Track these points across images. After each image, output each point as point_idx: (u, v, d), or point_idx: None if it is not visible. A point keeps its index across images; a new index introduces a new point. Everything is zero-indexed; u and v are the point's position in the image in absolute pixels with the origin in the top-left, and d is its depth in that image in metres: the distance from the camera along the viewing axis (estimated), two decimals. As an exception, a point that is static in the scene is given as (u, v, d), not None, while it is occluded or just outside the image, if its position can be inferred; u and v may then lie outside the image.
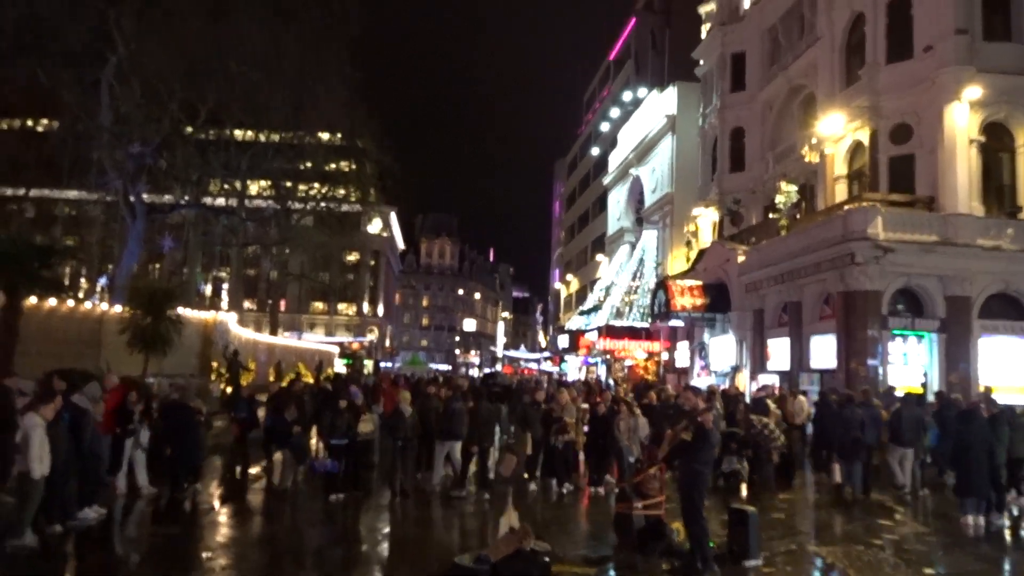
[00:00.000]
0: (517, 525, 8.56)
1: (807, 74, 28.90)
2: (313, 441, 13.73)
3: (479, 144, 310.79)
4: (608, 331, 37.79)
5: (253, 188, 41.87)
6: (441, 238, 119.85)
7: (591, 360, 49.13)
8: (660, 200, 41.36)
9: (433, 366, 78.94)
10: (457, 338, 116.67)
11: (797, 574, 8.52)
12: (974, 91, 21.36)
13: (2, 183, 39.87)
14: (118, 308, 21.34)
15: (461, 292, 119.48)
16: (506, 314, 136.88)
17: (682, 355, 33.91)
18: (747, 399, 17.03)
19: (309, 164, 38.70)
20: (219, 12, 27.55)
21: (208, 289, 59.84)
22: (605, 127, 58.29)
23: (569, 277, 71.15)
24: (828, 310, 22.58)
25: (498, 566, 7.63)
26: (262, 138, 36.03)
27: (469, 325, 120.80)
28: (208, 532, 10.05)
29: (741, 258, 27.34)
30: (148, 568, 8.39)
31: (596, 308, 44.51)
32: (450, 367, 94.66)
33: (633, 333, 37.56)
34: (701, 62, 37.34)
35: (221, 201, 39.18)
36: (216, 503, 11.92)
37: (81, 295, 41.54)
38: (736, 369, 27.17)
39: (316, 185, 41.06)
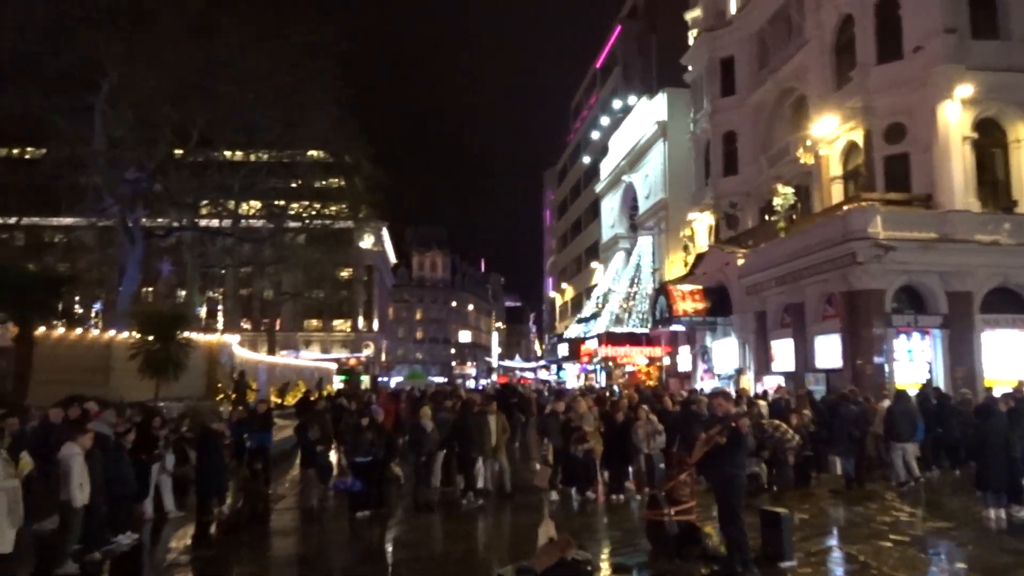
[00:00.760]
0: (555, 535, 8.67)
1: (797, 76, 29.22)
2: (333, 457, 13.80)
3: (466, 155, 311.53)
4: (609, 338, 37.97)
5: (244, 208, 41.95)
6: (432, 250, 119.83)
7: (589, 367, 49.29)
8: (654, 206, 41.64)
9: (432, 379, 78.80)
10: (452, 350, 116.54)
11: (833, 570, 8.63)
12: (965, 89, 21.67)
13: (-7, 211, 39.78)
14: (125, 334, 21.35)
15: (454, 304, 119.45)
16: (499, 324, 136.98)
17: (684, 359, 34.08)
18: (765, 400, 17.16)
19: (301, 182, 38.87)
20: (206, 32, 27.66)
21: (203, 311, 59.67)
22: (595, 135, 58.62)
23: (564, 285, 71.37)
24: (831, 310, 22.79)
25: (543, 576, 7.72)
26: (254, 158, 36.17)
27: (464, 336, 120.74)
28: (242, 552, 10.09)
29: (740, 261, 27.55)
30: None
31: (595, 315, 44.69)
32: (446, 379, 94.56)
33: (633, 339, 37.76)
34: (689, 68, 37.66)
35: (215, 223, 39.24)
36: (244, 524, 11.95)
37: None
38: (740, 372, 27.35)
39: (308, 203, 41.20)
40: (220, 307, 62.00)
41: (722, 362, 29.53)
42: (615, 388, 34.63)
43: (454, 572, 9.02)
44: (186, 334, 20.08)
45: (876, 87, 23.77)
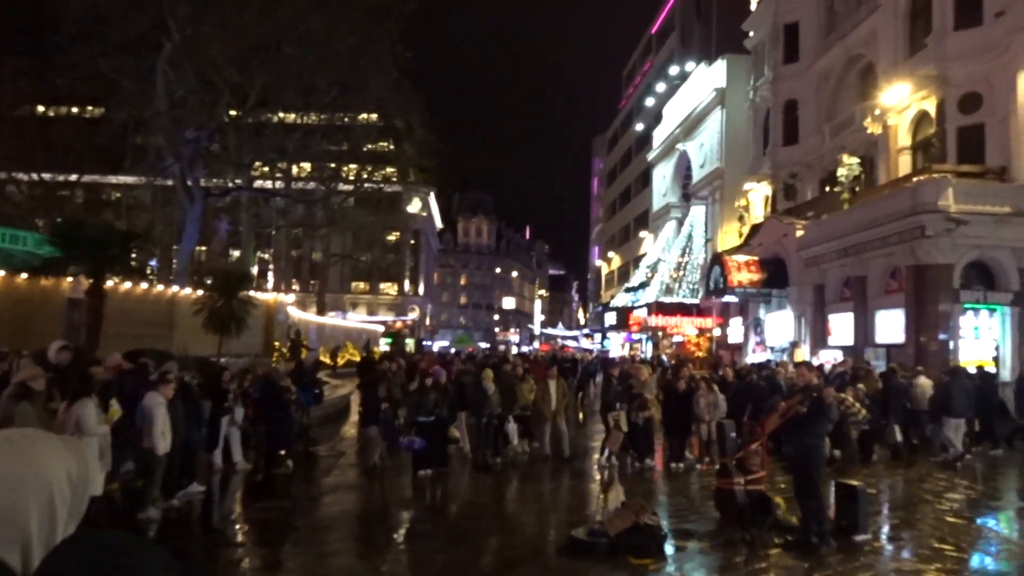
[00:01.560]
0: (624, 499, 8.67)
1: (867, 43, 28.22)
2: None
3: (515, 121, 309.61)
4: (659, 308, 37.68)
5: (296, 170, 42.42)
6: (478, 216, 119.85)
7: (635, 337, 49.09)
8: (709, 175, 40.89)
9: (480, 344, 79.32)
10: (495, 316, 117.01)
11: (907, 547, 8.48)
12: (1050, 56, 20.75)
13: (57, 169, 40.81)
14: (188, 290, 21.82)
15: (498, 270, 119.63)
16: (543, 292, 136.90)
17: (735, 331, 33.69)
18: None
19: (355, 145, 39.03)
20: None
21: (255, 271, 60.76)
22: (648, 102, 57.63)
23: (611, 254, 70.84)
24: (895, 284, 22.24)
25: (617, 540, 7.73)
26: (310, 119, 36.36)
27: (507, 303, 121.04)
28: (311, 507, 10.30)
29: (800, 233, 26.98)
30: (262, 540, 8.63)
31: (644, 285, 44.32)
32: (488, 345, 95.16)
33: (684, 309, 37.43)
34: (751, 33, 36.67)
35: (269, 184, 39.78)
36: (310, 479, 12.20)
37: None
38: (795, 344, 26.94)
39: (359, 166, 41.43)
40: (271, 267, 62.97)
41: (775, 335, 29.11)
42: (662, 358, 34.51)
43: (522, 532, 9.08)
44: (248, 292, 20.45)
45: (952, 54, 22.84)
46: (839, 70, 30.63)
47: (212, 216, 38.99)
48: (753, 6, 36.73)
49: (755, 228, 32.40)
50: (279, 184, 40.15)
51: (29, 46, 37.57)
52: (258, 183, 38.36)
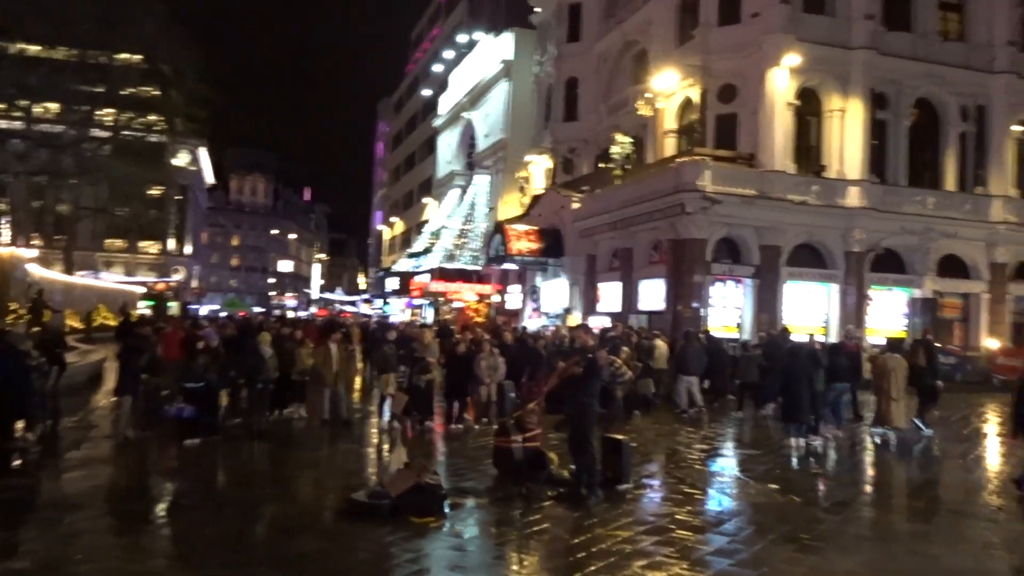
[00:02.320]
0: (406, 461, 8.63)
1: (642, 30, 30.04)
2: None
3: (296, 79, 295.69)
4: (440, 273, 38.08)
5: (41, 110, 37.52)
6: (254, 175, 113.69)
7: (416, 302, 49.26)
8: (493, 145, 41.70)
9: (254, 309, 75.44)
10: (271, 280, 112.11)
11: (662, 492, 9.24)
12: (793, 58, 23.28)
13: None
14: None
15: (275, 232, 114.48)
16: (322, 256, 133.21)
17: (513, 298, 34.87)
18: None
19: (114, 87, 35.21)
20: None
21: (-16, 221, 53.09)
22: (437, 68, 57.42)
23: (394, 219, 70.32)
24: (657, 256, 24.10)
25: (399, 500, 7.66)
26: (59, 54, 32.21)
27: (284, 266, 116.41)
28: (56, 483, 9.20)
29: (576, 205, 28.35)
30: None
31: (426, 251, 44.48)
32: (264, 309, 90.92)
33: (465, 276, 38.11)
34: (537, 9, 37.64)
35: (4, 124, 34.85)
36: (55, 453, 10.87)
37: None
38: (568, 311, 28.40)
39: (117, 111, 37.48)
40: (7, 220, 55.36)
41: (550, 302, 30.52)
42: (445, 323, 34.93)
43: (300, 499, 8.74)
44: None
45: (715, 48, 24.95)
46: (616, 53, 32.38)
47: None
48: (539, -18, 37.68)
49: (535, 199, 33.60)
50: (18, 124, 35.23)
51: None
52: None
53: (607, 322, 23.94)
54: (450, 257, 40.51)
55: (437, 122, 52.89)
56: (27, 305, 23.14)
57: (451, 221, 43.94)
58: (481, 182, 42.69)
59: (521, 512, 8.01)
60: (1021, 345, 24.57)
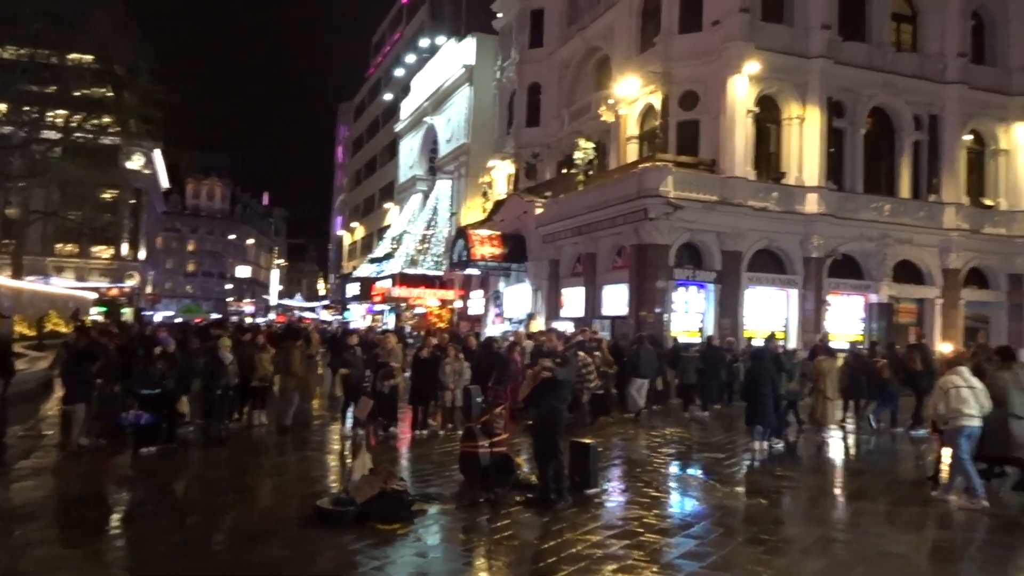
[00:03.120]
0: (371, 467, 8.47)
1: (604, 36, 30.22)
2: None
3: (257, 82, 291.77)
4: (403, 279, 37.79)
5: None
6: (211, 178, 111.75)
7: (377, 308, 48.83)
8: (456, 150, 41.59)
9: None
10: (228, 285, 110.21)
11: (629, 496, 9.22)
12: (753, 66, 23.59)
13: None
14: None
15: (232, 237, 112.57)
16: (281, 261, 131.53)
17: (476, 303, 34.75)
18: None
19: (65, 88, 34.22)
20: None
21: (-74, 226, 51.30)
22: (398, 72, 57.18)
23: (354, 224, 69.71)
24: (620, 261, 24.20)
25: (365, 507, 7.51)
26: (7, 53, 31.19)
27: (242, 272, 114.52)
28: (4, 494, 8.83)
29: (539, 210, 28.36)
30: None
31: (388, 256, 44.13)
32: (221, 316, 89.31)
33: (427, 281, 37.90)
34: (499, 15, 37.66)
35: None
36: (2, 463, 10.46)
37: None
38: (531, 316, 28.35)
39: (68, 112, 36.44)
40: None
41: (514, 307, 30.46)
42: (407, 328, 34.70)
43: (263, 506, 8.53)
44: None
45: (676, 55, 25.18)
46: (579, 59, 32.53)
47: None
48: (501, -15, 37.74)
49: (498, 204, 33.55)
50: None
51: None
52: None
53: (570, 327, 24.02)
54: (412, 262, 40.25)
55: (399, 126, 52.62)
56: (-27, 311, 22.39)
57: (413, 226, 43.67)
58: (443, 187, 42.53)
59: (489, 518, 7.92)
60: (970, 349, 25.15)
